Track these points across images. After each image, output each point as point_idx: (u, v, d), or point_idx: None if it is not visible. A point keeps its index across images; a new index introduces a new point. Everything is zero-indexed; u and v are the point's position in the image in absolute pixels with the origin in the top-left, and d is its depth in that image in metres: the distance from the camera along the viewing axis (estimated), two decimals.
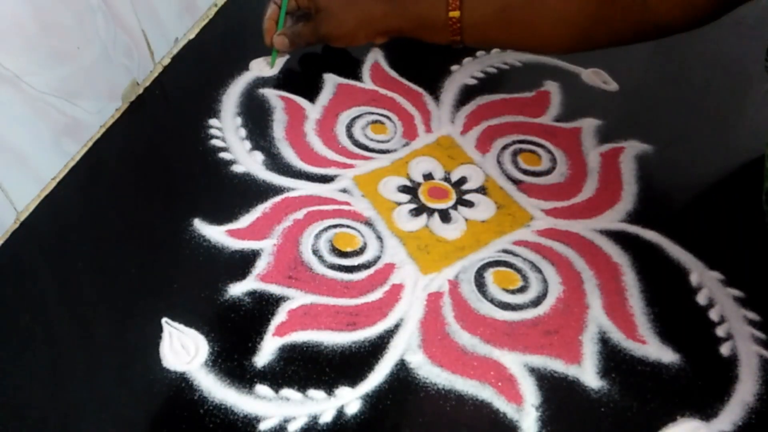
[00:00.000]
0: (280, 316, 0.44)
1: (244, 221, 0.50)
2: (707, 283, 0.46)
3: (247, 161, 0.54)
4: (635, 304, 0.45)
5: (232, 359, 0.42)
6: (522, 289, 0.46)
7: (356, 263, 0.48)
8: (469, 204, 0.52)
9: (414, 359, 0.42)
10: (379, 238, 0.49)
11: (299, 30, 0.59)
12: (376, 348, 0.43)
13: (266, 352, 0.42)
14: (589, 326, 0.44)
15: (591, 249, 0.49)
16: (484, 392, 0.41)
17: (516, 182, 0.53)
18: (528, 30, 0.53)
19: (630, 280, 0.47)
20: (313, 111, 0.59)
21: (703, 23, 0.51)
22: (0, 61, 0.45)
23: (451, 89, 0.61)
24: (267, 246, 0.48)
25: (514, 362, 0.42)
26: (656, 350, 0.43)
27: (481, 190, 0.53)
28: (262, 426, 0.39)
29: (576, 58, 0.64)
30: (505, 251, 0.49)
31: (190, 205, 0.51)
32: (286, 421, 0.39)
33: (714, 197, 0.53)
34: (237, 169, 0.54)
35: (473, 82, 0.62)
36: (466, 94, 0.61)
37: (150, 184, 0.53)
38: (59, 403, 0.41)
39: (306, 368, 0.42)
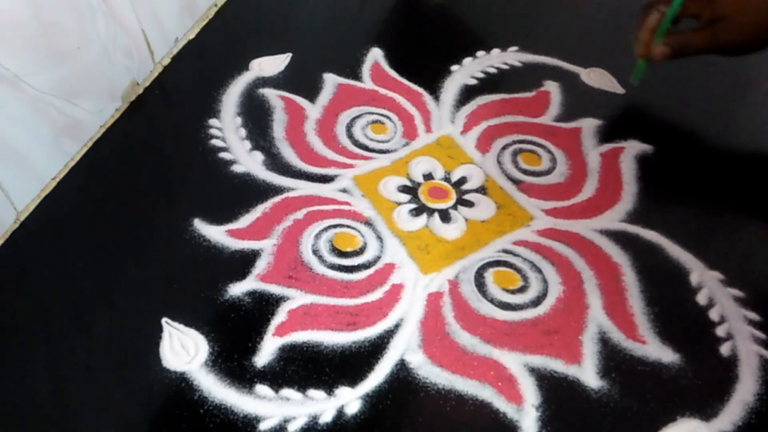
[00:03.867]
0: (280, 316, 0.44)
1: (244, 221, 0.50)
2: (707, 283, 0.46)
3: (247, 161, 0.54)
4: (635, 304, 0.45)
5: (232, 359, 0.42)
6: (522, 289, 0.46)
7: (356, 263, 0.48)
8: (469, 204, 0.52)
9: (414, 359, 0.42)
10: (379, 238, 0.49)
11: (688, 39, 0.51)
12: (376, 348, 0.43)
13: (266, 352, 0.42)
14: (589, 326, 0.44)
15: (591, 249, 0.49)
16: (484, 392, 0.41)
17: (516, 182, 0.53)
18: None
19: (630, 280, 0.47)
20: (313, 111, 0.59)
21: None
22: (0, 61, 0.45)
23: (451, 89, 0.61)
24: (267, 246, 0.48)
25: (514, 362, 0.42)
26: (656, 350, 0.43)
27: (481, 190, 0.53)
28: (262, 426, 0.39)
29: (576, 57, 0.64)
30: (505, 251, 0.49)
31: (190, 205, 0.51)
32: (286, 421, 0.39)
33: (714, 197, 0.53)
34: (237, 169, 0.54)
35: (473, 82, 0.62)
36: (466, 94, 0.61)
37: (150, 184, 0.53)
38: (59, 403, 0.41)
39: (306, 368, 0.42)
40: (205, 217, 0.50)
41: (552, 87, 0.62)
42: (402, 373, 0.42)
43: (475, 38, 0.68)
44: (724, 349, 0.43)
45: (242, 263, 0.47)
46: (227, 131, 0.57)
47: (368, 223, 0.50)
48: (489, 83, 0.62)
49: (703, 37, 0.51)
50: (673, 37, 0.52)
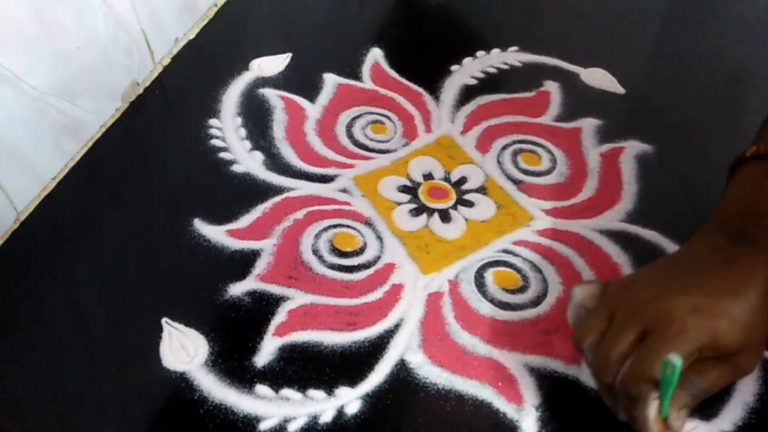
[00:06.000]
0: (280, 316, 0.44)
1: (244, 221, 0.50)
2: None
3: (247, 161, 0.54)
4: None
5: (232, 359, 0.42)
6: (522, 289, 0.46)
7: (356, 263, 0.48)
8: (469, 204, 0.52)
9: (414, 359, 0.42)
10: (379, 238, 0.49)
11: (708, 386, 0.37)
12: (376, 348, 0.43)
13: (266, 352, 0.42)
14: None
15: (591, 249, 0.49)
16: (484, 392, 0.41)
17: (516, 182, 0.53)
18: None
19: None
20: (313, 111, 0.59)
21: None
22: (0, 61, 0.45)
23: (451, 89, 0.61)
24: (267, 246, 0.48)
25: (514, 362, 0.42)
26: None
27: (481, 189, 0.53)
28: (262, 426, 0.39)
29: (576, 57, 0.64)
30: (505, 251, 0.49)
31: (190, 205, 0.51)
32: (286, 421, 0.39)
33: (714, 197, 0.53)
34: (237, 169, 0.54)
35: (473, 82, 0.62)
36: (466, 94, 0.61)
37: (150, 184, 0.53)
38: (59, 403, 0.41)
39: (306, 368, 0.42)
40: (205, 217, 0.50)
41: (552, 87, 0.62)
42: (402, 373, 0.42)
43: (475, 38, 0.68)
44: None
45: (242, 263, 0.47)
46: (227, 131, 0.57)
47: (368, 223, 0.50)
48: (489, 83, 0.62)
49: (722, 374, 0.38)
50: (685, 396, 0.37)
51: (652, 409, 0.35)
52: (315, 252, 0.48)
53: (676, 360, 0.33)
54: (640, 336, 0.36)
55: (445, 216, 0.51)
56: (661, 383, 0.34)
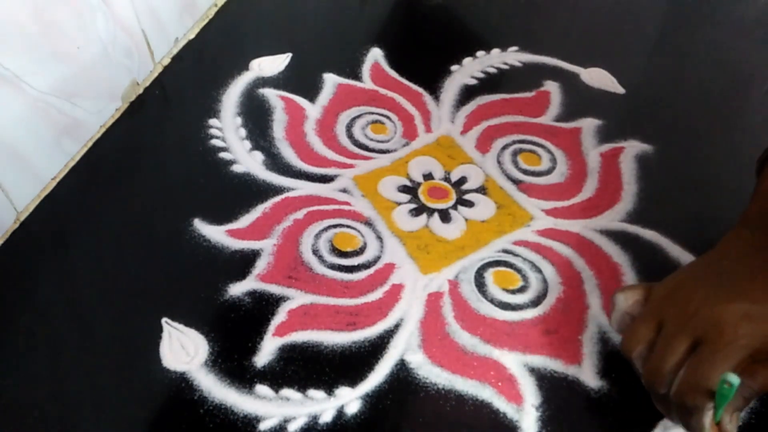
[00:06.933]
0: (280, 316, 0.44)
1: (244, 221, 0.50)
2: None
3: (247, 161, 0.54)
4: None
5: (232, 359, 0.42)
6: (522, 289, 0.46)
7: (356, 263, 0.48)
8: (469, 204, 0.52)
9: (414, 359, 0.42)
10: (379, 238, 0.49)
11: (757, 387, 0.36)
12: (376, 348, 0.43)
13: (266, 352, 0.42)
14: (589, 326, 0.44)
15: (591, 249, 0.49)
16: (484, 392, 0.41)
17: (516, 182, 0.53)
18: None
19: (630, 280, 0.47)
20: (313, 111, 0.59)
21: None
22: (0, 61, 0.45)
23: (451, 89, 0.61)
24: (267, 246, 0.48)
25: (514, 362, 0.42)
26: None
27: (481, 189, 0.53)
28: (262, 426, 0.39)
29: (576, 57, 0.64)
30: (505, 251, 0.49)
31: (190, 205, 0.51)
32: (286, 421, 0.39)
33: (714, 197, 0.53)
34: (237, 169, 0.54)
35: (473, 82, 0.62)
36: (466, 94, 0.61)
37: (150, 184, 0.53)
38: (59, 403, 0.41)
39: (306, 368, 0.42)
40: (205, 217, 0.50)
41: (552, 87, 0.62)
42: (402, 373, 0.42)
43: (475, 38, 0.68)
44: None
45: (242, 263, 0.47)
46: (227, 131, 0.57)
47: (368, 223, 0.50)
48: (489, 83, 0.62)
49: None
50: (737, 399, 0.36)
51: (708, 418, 0.35)
52: (315, 252, 0.48)
53: (734, 379, 0.33)
54: (692, 345, 0.36)
55: (445, 216, 0.51)
56: (717, 395, 0.34)
